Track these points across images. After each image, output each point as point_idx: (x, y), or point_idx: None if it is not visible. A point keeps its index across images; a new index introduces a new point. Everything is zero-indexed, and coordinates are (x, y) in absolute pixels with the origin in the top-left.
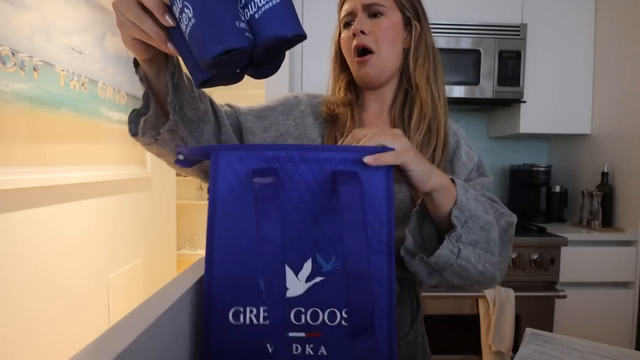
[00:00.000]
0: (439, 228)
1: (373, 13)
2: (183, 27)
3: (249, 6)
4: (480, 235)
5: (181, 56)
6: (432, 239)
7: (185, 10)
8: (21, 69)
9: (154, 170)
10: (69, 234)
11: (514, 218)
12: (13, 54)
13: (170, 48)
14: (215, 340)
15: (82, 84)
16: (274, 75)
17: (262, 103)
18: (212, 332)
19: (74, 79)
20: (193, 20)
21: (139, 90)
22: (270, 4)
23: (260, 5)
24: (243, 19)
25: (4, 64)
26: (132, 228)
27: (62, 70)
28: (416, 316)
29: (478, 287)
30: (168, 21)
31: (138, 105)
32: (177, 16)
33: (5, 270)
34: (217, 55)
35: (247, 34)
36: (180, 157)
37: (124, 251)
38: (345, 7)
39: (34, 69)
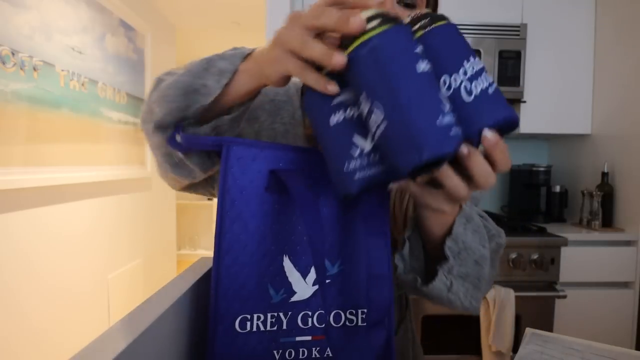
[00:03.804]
0: (428, 242)
1: (409, 3)
2: (372, 130)
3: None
4: (473, 270)
5: (327, 150)
6: (420, 250)
7: (375, 111)
8: (21, 69)
9: (154, 170)
10: (68, 234)
11: (502, 239)
12: (13, 54)
13: (330, 89)
14: (221, 349)
15: (82, 84)
16: None
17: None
18: (218, 341)
19: (73, 79)
20: (384, 124)
21: (138, 90)
22: (487, 90)
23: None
24: (447, 108)
25: (4, 64)
26: (132, 228)
27: (62, 70)
28: (405, 314)
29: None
30: (337, 63)
31: (138, 105)
32: (363, 116)
33: (5, 270)
34: (410, 170)
35: (452, 131)
36: (177, 138)
37: (123, 251)
38: None
39: (34, 69)
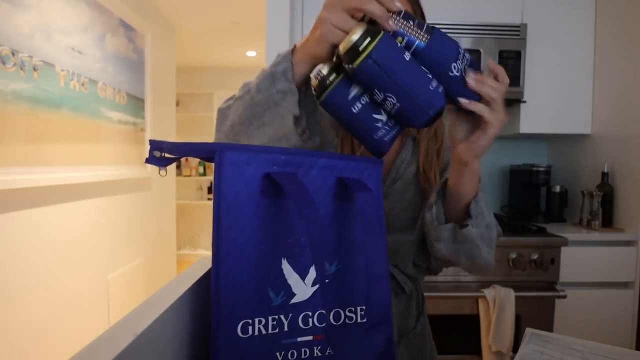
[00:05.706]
0: (454, 207)
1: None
2: (388, 109)
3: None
4: (485, 232)
5: (357, 129)
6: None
7: (388, 99)
8: (21, 69)
9: (154, 170)
10: (69, 234)
11: (500, 228)
12: (13, 54)
13: (392, 25)
14: (224, 355)
15: (82, 84)
16: None
17: None
18: (221, 348)
19: (74, 79)
20: (398, 104)
21: (138, 90)
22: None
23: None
24: (431, 77)
25: (4, 64)
26: (132, 228)
27: (62, 70)
28: (422, 310)
29: (473, 272)
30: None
31: (137, 105)
32: (378, 100)
33: (6, 270)
34: (425, 123)
35: (440, 91)
36: (156, 153)
37: (123, 251)
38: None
39: (34, 69)
